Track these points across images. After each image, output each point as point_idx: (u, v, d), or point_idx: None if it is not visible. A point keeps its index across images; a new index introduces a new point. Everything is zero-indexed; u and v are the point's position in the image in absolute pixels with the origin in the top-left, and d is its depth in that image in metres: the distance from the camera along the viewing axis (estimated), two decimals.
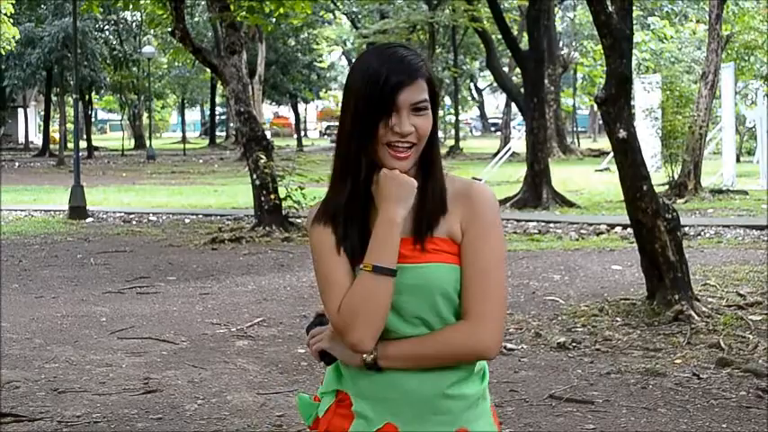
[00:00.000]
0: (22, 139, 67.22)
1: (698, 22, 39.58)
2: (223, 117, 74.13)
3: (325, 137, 75.22)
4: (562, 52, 50.20)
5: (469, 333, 2.43)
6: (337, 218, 2.48)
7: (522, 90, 23.41)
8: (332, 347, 2.51)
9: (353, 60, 2.51)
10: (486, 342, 2.44)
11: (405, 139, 2.40)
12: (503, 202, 21.15)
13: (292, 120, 72.98)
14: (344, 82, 2.51)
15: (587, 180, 28.87)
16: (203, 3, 34.12)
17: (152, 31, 50.20)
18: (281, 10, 18.27)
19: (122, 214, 21.30)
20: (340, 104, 2.53)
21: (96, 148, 55.93)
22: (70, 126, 49.82)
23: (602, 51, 10.11)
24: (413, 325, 2.44)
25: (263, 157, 16.95)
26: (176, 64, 59.96)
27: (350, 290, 2.41)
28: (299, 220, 17.38)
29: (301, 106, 71.94)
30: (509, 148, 35.25)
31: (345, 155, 2.47)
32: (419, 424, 2.45)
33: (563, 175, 26.93)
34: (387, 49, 2.47)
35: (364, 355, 2.43)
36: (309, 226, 2.54)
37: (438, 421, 2.46)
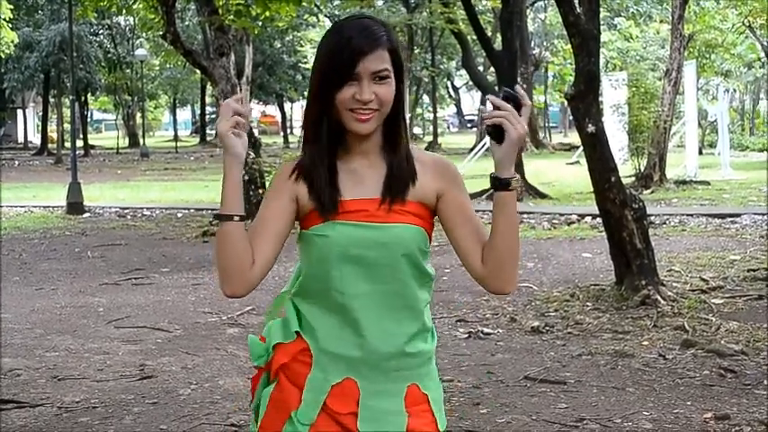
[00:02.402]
0: (21, 138, 66.86)
1: (661, 22, 39.65)
2: (213, 116, 73.78)
3: None
4: (534, 52, 50.24)
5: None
6: (301, 177, 2.49)
7: (497, 88, 23.41)
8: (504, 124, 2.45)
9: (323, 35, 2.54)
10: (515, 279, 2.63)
11: (366, 106, 2.40)
12: (479, 194, 21.15)
13: (279, 118, 72.82)
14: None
15: (559, 173, 28.91)
16: (193, 7, 33.99)
17: (144, 34, 49.95)
18: (267, 13, 18.20)
19: (118, 209, 21.23)
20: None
21: (92, 147, 55.65)
22: (67, 126, 49.43)
23: (571, 51, 10.11)
24: (374, 282, 2.43)
25: (251, 153, 16.89)
26: (168, 66, 59.65)
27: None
28: None
29: (287, 105, 71.82)
30: (484, 144, 35.17)
31: (312, 119, 2.49)
32: (377, 380, 2.45)
33: (536, 168, 26.96)
34: (353, 20, 2.48)
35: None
36: (274, 178, 2.56)
37: (394, 377, 2.46)
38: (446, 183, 2.51)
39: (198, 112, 74.09)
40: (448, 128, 78.07)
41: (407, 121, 2.59)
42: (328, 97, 2.42)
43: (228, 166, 2.43)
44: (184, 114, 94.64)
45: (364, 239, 2.41)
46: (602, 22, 9.95)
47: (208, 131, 70.69)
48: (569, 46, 11.50)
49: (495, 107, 2.42)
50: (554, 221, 16.91)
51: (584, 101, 9.50)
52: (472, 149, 36.96)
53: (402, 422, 2.45)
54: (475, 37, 24.31)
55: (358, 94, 2.39)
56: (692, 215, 16.83)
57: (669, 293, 9.29)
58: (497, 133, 2.44)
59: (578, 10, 9.53)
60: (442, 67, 58.61)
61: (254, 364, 2.58)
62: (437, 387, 2.55)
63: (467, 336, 8.23)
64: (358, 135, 2.44)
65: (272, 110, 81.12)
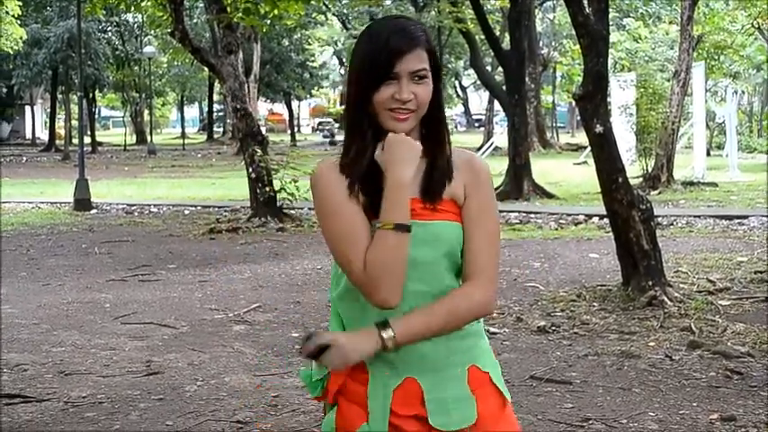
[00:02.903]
0: (29, 135, 67.01)
1: (671, 23, 39.61)
2: (220, 114, 73.96)
3: (318, 132, 75.00)
4: (542, 52, 50.23)
5: (473, 295, 2.45)
6: (348, 178, 2.45)
7: (505, 87, 23.39)
8: (336, 343, 2.36)
9: (359, 36, 2.52)
10: (491, 299, 2.48)
11: (404, 105, 2.40)
12: None
13: (286, 116, 72.78)
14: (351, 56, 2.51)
15: (566, 173, 28.88)
16: (202, 5, 34.02)
17: (153, 31, 50.04)
18: (276, 12, 18.22)
19: (125, 206, 21.26)
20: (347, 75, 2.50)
21: (100, 144, 55.79)
22: (75, 122, 49.62)
23: (579, 51, 10.11)
24: (419, 280, 2.43)
25: (258, 151, 16.93)
26: (176, 63, 59.77)
27: (373, 248, 2.36)
28: (293, 212, 17.38)
29: (295, 103, 71.80)
30: (492, 143, 35.27)
31: (352, 120, 2.47)
32: (436, 371, 2.45)
33: (543, 168, 26.94)
34: (390, 20, 2.48)
35: (385, 340, 2.35)
36: (317, 185, 2.47)
37: (452, 362, 2.46)
38: (471, 180, 2.50)
39: (205, 109, 74.16)
40: (456, 127, 78.01)
41: (446, 121, 2.58)
42: (367, 97, 2.42)
43: (410, 177, 2.39)
44: (192, 112, 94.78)
45: (412, 239, 2.40)
46: (610, 23, 9.95)
47: (215, 129, 70.80)
48: (578, 46, 11.49)
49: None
50: (561, 221, 16.89)
51: (593, 101, 9.49)
52: (480, 148, 36.97)
53: (472, 406, 2.46)
54: (483, 36, 24.29)
55: (397, 94, 2.39)
56: (699, 216, 16.80)
57: (676, 294, 9.28)
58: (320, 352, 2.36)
59: (587, 10, 9.52)
60: (450, 66, 58.60)
61: (311, 396, 2.57)
62: (495, 363, 2.57)
63: None
64: None
65: (280, 108, 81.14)
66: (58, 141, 53.59)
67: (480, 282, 2.46)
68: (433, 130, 2.50)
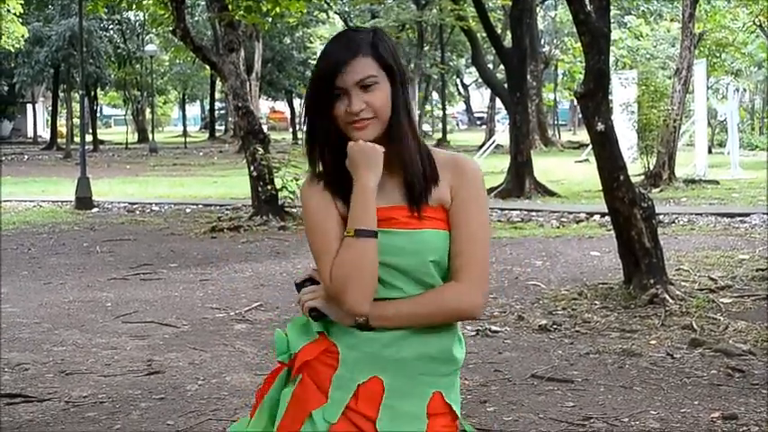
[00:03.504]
0: (30, 133, 67.00)
1: (672, 20, 39.58)
2: (222, 112, 73.95)
3: None
4: (544, 49, 50.20)
5: (461, 293, 2.44)
6: (326, 189, 2.49)
7: (506, 85, 23.38)
8: (324, 306, 2.47)
9: None
10: (476, 302, 2.46)
11: (358, 116, 2.41)
12: (488, 191, 21.11)
13: (288, 114, 72.82)
14: None
15: (567, 171, 28.87)
16: (203, 3, 34.04)
17: (154, 30, 49.97)
18: (278, 10, 18.22)
19: (126, 204, 21.26)
20: None
21: (101, 142, 55.79)
22: (76, 121, 49.61)
23: (581, 48, 10.10)
24: (397, 289, 2.44)
25: (260, 149, 16.92)
26: (177, 61, 59.78)
27: (337, 257, 2.41)
28: (294, 210, 17.36)
29: (296, 101, 71.67)
30: (493, 141, 35.26)
31: (313, 137, 2.51)
32: (404, 382, 2.45)
33: (544, 166, 26.92)
34: (336, 36, 2.51)
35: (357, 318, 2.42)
36: (301, 199, 2.54)
37: (421, 381, 2.46)
38: (457, 181, 2.49)
39: (207, 107, 74.13)
40: (457, 125, 78.06)
41: (414, 120, 2.57)
42: (323, 115, 2.45)
43: (374, 182, 2.43)
44: (194, 110, 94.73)
45: (394, 247, 2.42)
46: (612, 20, 9.94)
47: (217, 127, 70.81)
48: (579, 44, 11.49)
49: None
50: (562, 219, 16.88)
51: (594, 99, 9.48)
52: (481, 146, 36.96)
53: (422, 426, 2.46)
54: (485, 34, 24.27)
55: (348, 107, 2.41)
56: (700, 214, 16.79)
57: (677, 292, 9.27)
58: (319, 314, 2.51)
59: (589, 8, 9.52)
60: (451, 64, 58.57)
61: (276, 358, 2.59)
62: (458, 401, 2.56)
63: (474, 333, 8.22)
64: None
65: (282, 106, 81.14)
66: (59, 140, 53.59)
67: (468, 284, 2.45)
68: (396, 135, 2.47)
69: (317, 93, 2.45)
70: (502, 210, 18.47)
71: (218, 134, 68.57)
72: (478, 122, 75.06)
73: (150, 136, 54.83)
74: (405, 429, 2.43)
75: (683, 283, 9.96)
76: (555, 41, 55.88)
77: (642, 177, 21.88)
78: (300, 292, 2.54)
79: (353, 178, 2.42)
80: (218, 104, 72.22)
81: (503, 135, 35.56)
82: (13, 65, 50.16)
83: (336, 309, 2.44)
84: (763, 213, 16.19)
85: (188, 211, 19.90)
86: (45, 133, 66.26)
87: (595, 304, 9.26)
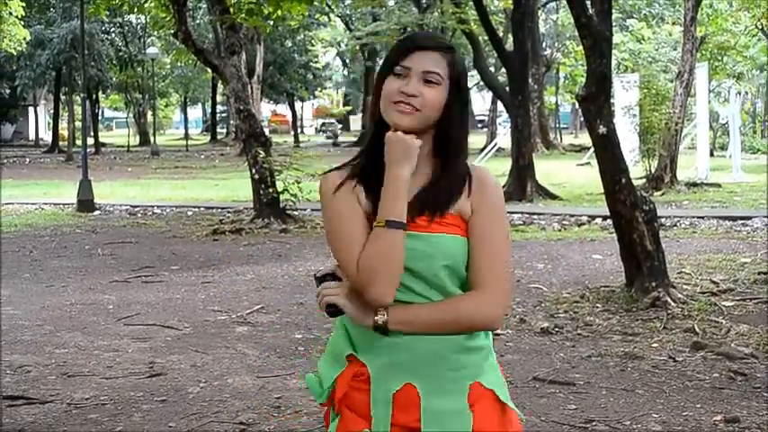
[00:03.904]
0: (32, 135, 67.06)
1: (674, 23, 39.56)
2: (223, 115, 73.95)
3: (321, 133, 75.06)
4: (545, 52, 50.24)
5: (481, 303, 2.44)
6: (356, 178, 2.50)
7: (508, 88, 23.39)
8: (345, 305, 2.45)
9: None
10: (497, 312, 2.45)
11: (409, 100, 2.41)
12: None
13: (289, 117, 72.84)
14: None
15: (569, 174, 28.87)
16: (205, 6, 34.06)
17: (156, 33, 50.08)
18: (279, 13, 18.22)
19: (128, 207, 21.26)
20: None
21: (103, 145, 55.83)
22: (78, 123, 49.65)
23: (583, 52, 10.10)
24: (422, 292, 2.44)
25: (261, 152, 16.93)
26: (179, 64, 59.81)
27: (366, 247, 2.39)
28: (296, 213, 17.37)
29: (298, 104, 71.84)
30: (495, 144, 35.26)
31: (371, 119, 2.53)
32: (436, 381, 2.44)
33: (546, 169, 26.93)
34: (425, 32, 2.59)
35: (376, 317, 2.40)
36: (321, 190, 2.51)
37: (454, 377, 2.45)
38: (479, 196, 2.50)
39: (209, 110, 74.17)
40: None
41: (467, 136, 2.56)
42: (378, 89, 2.47)
43: (408, 173, 2.43)
44: (195, 113, 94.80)
45: (408, 250, 2.41)
46: (613, 24, 9.94)
47: (218, 130, 70.84)
48: (581, 47, 11.47)
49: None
50: (564, 222, 16.88)
51: (596, 102, 9.49)
52: (483, 149, 36.95)
53: (468, 421, 2.44)
54: (486, 37, 24.29)
55: (403, 87, 2.42)
56: (702, 217, 16.79)
57: (679, 295, 9.27)
58: (335, 311, 2.49)
59: (590, 11, 9.52)
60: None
61: (317, 402, 2.58)
62: (502, 383, 2.54)
63: None
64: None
65: (283, 109, 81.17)
66: (61, 142, 53.61)
67: (490, 294, 2.44)
68: (443, 147, 2.49)
69: (384, 64, 2.47)
70: None
71: (219, 137, 68.61)
72: (480, 125, 75.04)
73: (152, 139, 54.86)
74: (451, 427, 2.42)
75: (684, 287, 9.97)
76: (556, 45, 55.92)
77: (644, 180, 21.87)
78: (320, 287, 2.51)
79: (387, 168, 2.42)
80: (219, 107, 72.24)
81: (504, 138, 35.58)
82: (14, 68, 50.16)
83: (356, 307, 2.43)
84: (765, 217, 16.19)
85: (190, 213, 19.91)
86: (47, 136, 66.32)
87: (597, 307, 9.26)
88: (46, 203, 22.27)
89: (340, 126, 70.83)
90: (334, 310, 2.46)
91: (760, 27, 32.69)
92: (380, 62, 2.53)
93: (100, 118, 67.34)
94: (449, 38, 50.10)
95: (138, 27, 56.82)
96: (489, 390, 2.49)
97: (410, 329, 2.42)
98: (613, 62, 11.63)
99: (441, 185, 2.48)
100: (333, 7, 52.94)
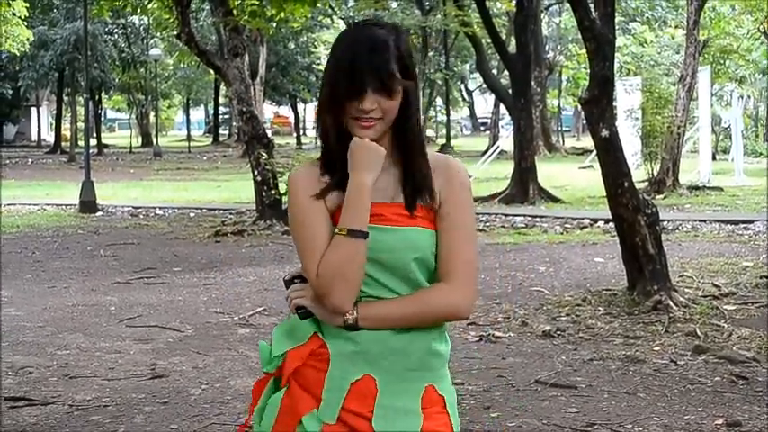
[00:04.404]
0: (34, 136, 67.03)
1: (676, 27, 39.54)
2: (226, 116, 73.95)
3: None
4: (548, 55, 50.16)
5: (449, 294, 2.45)
6: (318, 184, 2.49)
7: (510, 91, 23.38)
8: (313, 306, 2.45)
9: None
10: (465, 302, 2.47)
11: (368, 115, 2.42)
12: (491, 197, 21.15)
13: (292, 119, 72.85)
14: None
15: (571, 177, 28.85)
16: (208, 7, 34.08)
17: (159, 34, 50.06)
18: (282, 14, 18.21)
19: (130, 208, 21.27)
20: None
21: (105, 146, 55.79)
22: (81, 124, 49.67)
23: (585, 55, 10.11)
24: (392, 285, 2.45)
25: (264, 154, 16.93)
26: (182, 65, 59.77)
27: (326, 254, 2.40)
28: None
29: (300, 106, 71.79)
30: (497, 147, 35.21)
31: (322, 126, 2.52)
32: (396, 378, 2.45)
33: (548, 172, 26.90)
34: (359, 30, 2.50)
35: (346, 316, 2.41)
36: (289, 190, 2.52)
37: (414, 377, 2.46)
38: (445, 184, 2.50)
39: (211, 112, 74.19)
40: (461, 130, 77.95)
41: (421, 123, 2.57)
42: (335, 108, 2.45)
43: (371, 181, 2.43)
44: (198, 114, 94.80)
45: (378, 243, 2.42)
46: (616, 27, 9.94)
47: (221, 132, 70.84)
48: (584, 50, 11.49)
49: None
50: (566, 226, 16.88)
51: (598, 105, 9.49)
52: (485, 152, 36.94)
53: (417, 422, 2.45)
54: (489, 40, 24.31)
55: (360, 104, 2.41)
56: (704, 221, 16.78)
57: (681, 299, 9.27)
58: (306, 312, 2.49)
59: (593, 14, 9.53)
60: (455, 69, 58.57)
61: (262, 369, 2.56)
62: (452, 391, 2.56)
63: (478, 339, 8.22)
64: None
65: (286, 111, 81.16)
66: (63, 143, 53.58)
67: (457, 283, 2.46)
68: (403, 138, 2.49)
69: (338, 89, 2.44)
70: (506, 215, 18.46)
71: (221, 138, 68.59)
72: (482, 128, 75.01)
73: (154, 140, 54.90)
74: (401, 426, 2.43)
75: (686, 290, 9.96)
76: (559, 48, 55.86)
77: (646, 184, 21.85)
78: (289, 289, 2.52)
79: (351, 175, 2.43)
80: (222, 109, 72.21)
81: (507, 141, 35.53)
82: (17, 68, 50.17)
83: (323, 308, 2.44)
84: (767, 220, 16.18)
85: (192, 215, 19.92)
86: (49, 137, 66.30)
87: (599, 310, 9.25)
88: (48, 204, 22.29)
89: None
90: (304, 312, 2.47)
91: (762, 31, 32.64)
92: None
93: (102, 119, 67.25)
94: (452, 40, 50.23)
95: (141, 28, 56.82)
96: (441, 396, 2.51)
97: (380, 325, 2.43)
98: (616, 65, 11.62)
99: (410, 179, 2.48)
100: (336, 9, 52.95)
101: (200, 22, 48.03)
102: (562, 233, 15.95)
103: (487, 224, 16.94)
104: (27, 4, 33.83)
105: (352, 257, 2.39)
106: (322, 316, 2.45)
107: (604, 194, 10.00)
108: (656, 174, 22.42)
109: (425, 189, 2.48)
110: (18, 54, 38.99)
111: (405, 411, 2.45)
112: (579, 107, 12.25)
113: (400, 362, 2.45)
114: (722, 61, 35.41)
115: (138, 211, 20.87)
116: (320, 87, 2.55)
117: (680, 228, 16.04)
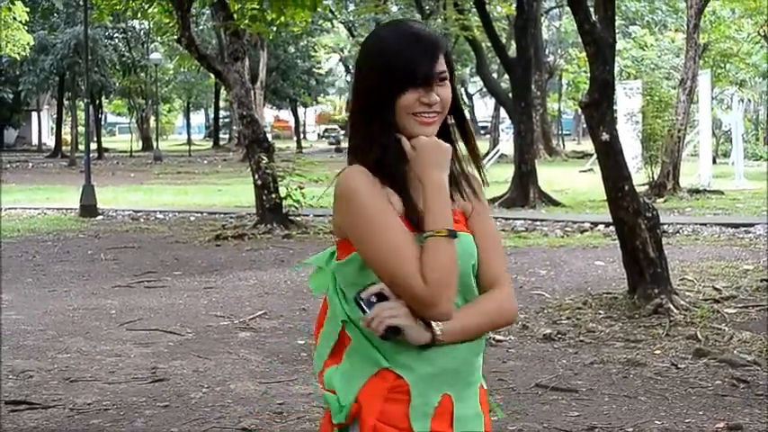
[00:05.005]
0: (35, 140, 67.15)
1: (677, 30, 39.56)
2: (226, 120, 74.02)
3: (323, 139, 75.09)
4: (548, 59, 50.25)
5: (505, 300, 2.42)
6: (379, 187, 2.33)
7: (511, 95, 23.40)
8: (409, 325, 2.27)
9: (367, 40, 2.45)
10: (515, 306, 2.47)
11: (431, 109, 2.35)
12: (492, 201, 21.16)
13: (292, 123, 72.88)
14: (359, 61, 2.44)
15: (572, 180, 28.87)
16: (208, 12, 34.08)
17: (159, 38, 50.12)
18: (282, 19, 18.24)
19: (131, 212, 21.27)
20: (355, 84, 2.45)
21: (106, 150, 55.85)
22: (81, 129, 49.74)
23: (585, 58, 10.12)
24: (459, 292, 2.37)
25: (264, 158, 16.94)
26: (182, 70, 59.81)
27: (432, 260, 2.25)
28: (298, 218, 17.37)
29: (301, 110, 71.88)
30: (498, 150, 35.27)
31: (373, 125, 2.37)
32: (463, 386, 2.39)
33: (549, 176, 26.92)
34: (407, 25, 2.43)
35: (436, 331, 2.28)
36: (356, 198, 2.31)
37: (473, 380, 2.43)
38: (471, 192, 2.48)
39: (212, 116, 74.26)
40: None
41: (470, 122, 2.54)
42: (389, 105, 2.35)
43: (446, 180, 2.35)
44: (198, 118, 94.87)
45: None
46: (616, 31, 9.95)
47: (221, 136, 70.87)
48: (584, 54, 11.50)
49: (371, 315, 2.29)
50: (567, 229, 16.88)
51: (599, 109, 9.49)
52: (485, 156, 36.97)
53: (482, 422, 2.45)
54: (489, 44, 24.31)
55: (424, 97, 2.34)
56: (705, 224, 16.79)
57: (682, 302, 9.26)
58: (393, 333, 2.29)
59: (594, 18, 9.53)
60: (456, 73, 58.62)
61: (334, 422, 2.36)
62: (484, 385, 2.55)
63: None
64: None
65: (286, 115, 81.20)
66: (64, 147, 53.64)
67: (507, 288, 2.44)
68: (461, 130, 2.48)
69: (395, 78, 2.33)
70: (506, 219, 18.46)
71: (222, 142, 68.65)
72: (482, 132, 74.99)
73: (155, 144, 54.90)
74: (474, 429, 2.41)
75: (687, 293, 9.96)
76: (559, 51, 55.94)
77: (647, 187, 21.87)
78: (376, 308, 2.27)
79: (422, 175, 2.31)
80: (222, 113, 72.28)
81: (507, 144, 35.58)
82: (18, 73, 50.24)
83: (415, 327, 2.28)
84: (767, 224, 16.19)
85: (192, 219, 19.92)
86: (50, 141, 66.36)
87: (600, 314, 9.25)
88: (49, 208, 22.29)
89: (342, 132, 70.83)
90: (392, 333, 2.28)
91: (763, 34, 32.68)
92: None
93: (103, 123, 67.30)
94: (452, 44, 50.19)
95: (142, 32, 56.86)
96: (485, 390, 2.52)
97: (460, 338, 2.34)
98: (616, 69, 11.62)
99: (461, 179, 2.46)
100: (336, 13, 52.98)
101: (201, 27, 48.08)
102: (563, 236, 15.95)
103: None
104: (27, 9, 33.87)
105: (453, 259, 2.28)
106: (411, 334, 2.29)
107: (605, 198, 10.00)
108: (656, 177, 22.44)
109: (469, 190, 2.45)
110: (19, 58, 39.05)
111: (475, 416, 2.42)
112: (579, 111, 12.24)
113: (467, 371, 2.40)
114: (722, 65, 35.42)
115: (139, 214, 20.87)
116: (363, 88, 2.41)
117: (680, 231, 16.04)
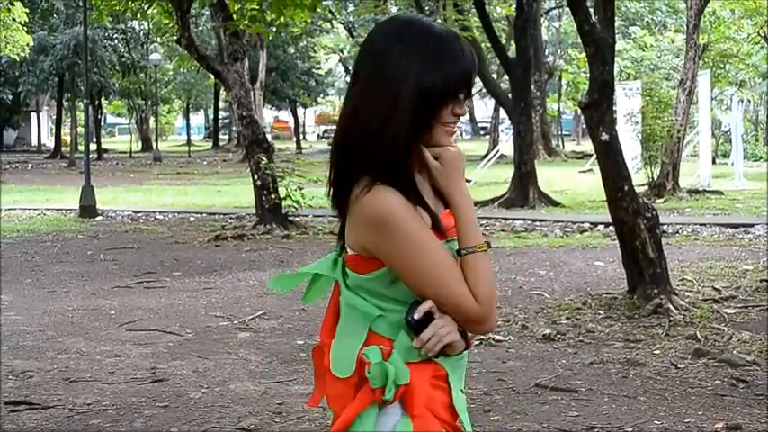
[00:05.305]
0: (35, 141, 67.10)
1: (676, 31, 39.59)
2: (226, 121, 74.01)
3: (323, 140, 75.10)
4: (548, 60, 50.22)
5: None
6: (412, 207, 2.25)
7: (510, 95, 23.41)
8: (459, 341, 2.28)
9: (409, 25, 2.29)
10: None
11: (459, 120, 2.34)
12: (492, 201, 21.17)
13: (292, 124, 72.88)
14: (378, 62, 2.28)
15: (571, 181, 28.87)
16: (208, 12, 34.09)
17: (159, 39, 50.12)
18: (282, 19, 18.25)
19: (130, 213, 21.26)
20: (378, 78, 2.27)
21: (105, 151, 55.82)
22: (81, 129, 49.69)
23: (585, 59, 10.12)
24: None
25: (264, 158, 16.94)
26: (181, 70, 59.85)
27: (477, 276, 2.25)
28: (298, 219, 17.37)
29: (300, 111, 71.87)
30: (497, 151, 35.22)
31: (411, 138, 2.27)
32: (462, 384, 2.41)
33: (548, 176, 26.92)
34: (448, 31, 2.32)
35: (470, 341, 2.32)
36: (400, 221, 2.22)
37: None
38: None
39: (211, 116, 74.25)
40: (461, 135, 78.01)
41: None
42: (435, 109, 2.28)
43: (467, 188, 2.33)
44: (197, 119, 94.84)
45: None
46: (616, 31, 9.95)
47: (220, 136, 70.87)
48: (583, 54, 11.51)
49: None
50: (566, 229, 16.88)
51: (598, 109, 9.49)
52: (485, 156, 36.95)
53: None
54: (489, 44, 24.30)
55: (458, 108, 2.31)
56: (704, 225, 16.79)
57: (681, 303, 9.27)
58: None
59: (593, 18, 9.54)
60: None
61: (384, 396, 2.24)
62: None
63: (478, 342, 8.21)
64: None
65: (286, 115, 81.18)
66: (63, 148, 53.63)
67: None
68: None
69: (444, 89, 2.26)
70: (506, 219, 18.47)
71: (221, 143, 68.64)
72: (482, 132, 75.11)
73: (154, 145, 54.88)
74: (468, 420, 2.40)
75: (686, 294, 9.96)
76: (559, 52, 55.94)
77: (646, 188, 21.88)
78: (434, 328, 2.24)
79: (450, 187, 2.29)
80: (222, 113, 72.27)
81: (506, 145, 35.56)
82: (17, 73, 50.22)
83: (459, 337, 2.29)
84: (767, 224, 16.18)
85: (192, 219, 19.92)
86: (49, 142, 66.36)
87: (599, 314, 9.25)
88: (48, 209, 22.28)
89: None
90: (442, 348, 2.28)
91: (762, 35, 32.71)
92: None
93: (102, 124, 67.26)
94: None
95: (141, 33, 56.84)
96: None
97: (470, 346, 2.39)
98: (616, 70, 11.63)
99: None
100: (335, 14, 53.01)
101: (200, 27, 48.08)
102: (562, 237, 15.95)
103: (487, 228, 16.94)
104: (27, 10, 33.88)
105: (491, 271, 2.30)
106: (458, 347, 2.30)
107: (604, 198, 10.01)
108: (656, 177, 22.44)
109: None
110: (18, 59, 39.04)
111: (466, 407, 2.41)
112: (579, 111, 12.26)
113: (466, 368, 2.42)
114: (722, 65, 35.46)
115: (138, 215, 20.86)
116: (397, 86, 2.24)
117: (680, 231, 16.05)
